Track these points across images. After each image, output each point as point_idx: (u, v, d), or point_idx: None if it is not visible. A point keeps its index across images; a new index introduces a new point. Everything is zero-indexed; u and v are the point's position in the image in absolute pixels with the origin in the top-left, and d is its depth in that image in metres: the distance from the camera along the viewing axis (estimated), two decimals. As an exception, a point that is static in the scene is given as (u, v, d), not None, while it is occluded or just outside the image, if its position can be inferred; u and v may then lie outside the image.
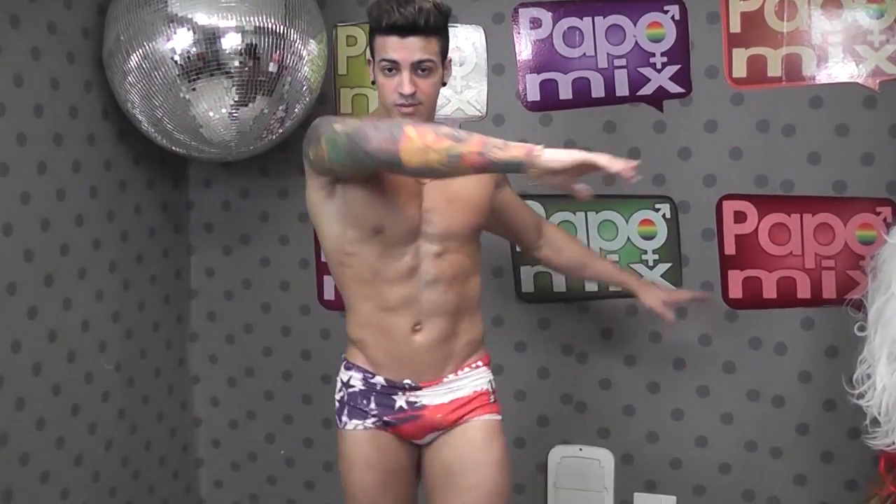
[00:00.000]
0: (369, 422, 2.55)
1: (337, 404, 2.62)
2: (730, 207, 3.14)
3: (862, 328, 2.64)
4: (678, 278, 3.19)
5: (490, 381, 2.64)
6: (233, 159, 3.16)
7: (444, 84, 2.47)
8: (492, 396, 2.62)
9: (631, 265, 3.21)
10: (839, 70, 3.03)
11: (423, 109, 2.41)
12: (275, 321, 3.57)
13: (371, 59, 2.45)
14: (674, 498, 3.29)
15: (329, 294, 3.49)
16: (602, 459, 3.32)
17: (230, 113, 2.93)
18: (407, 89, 2.35)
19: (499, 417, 2.62)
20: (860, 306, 2.71)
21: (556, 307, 3.31)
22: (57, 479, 2.95)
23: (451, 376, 2.56)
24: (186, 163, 3.56)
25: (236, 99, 2.92)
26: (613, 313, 3.27)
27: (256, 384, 3.64)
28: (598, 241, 3.21)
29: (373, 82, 2.46)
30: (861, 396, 2.60)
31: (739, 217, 3.13)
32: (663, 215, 3.18)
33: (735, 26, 3.08)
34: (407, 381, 2.53)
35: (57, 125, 2.93)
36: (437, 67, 2.40)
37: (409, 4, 2.33)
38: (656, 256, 3.20)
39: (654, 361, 3.26)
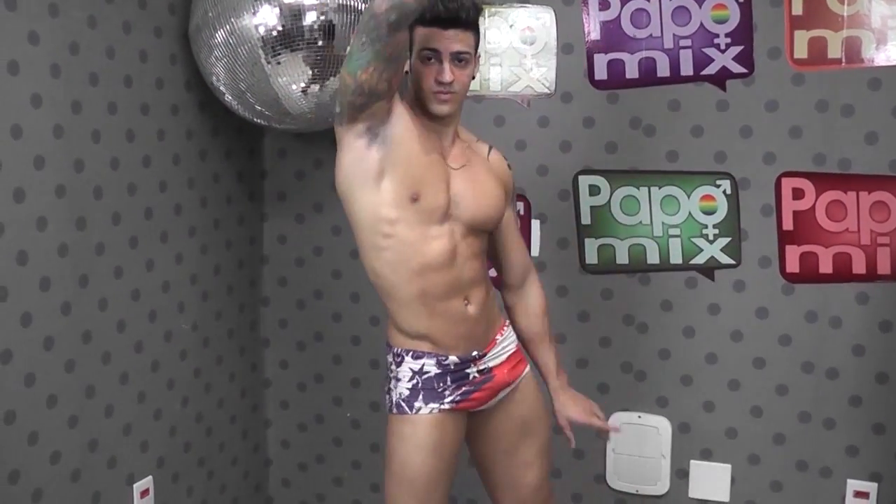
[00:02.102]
0: (446, 402, 2.59)
1: (407, 392, 2.60)
2: (788, 184, 3.21)
3: (916, 303, 2.72)
4: (737, 252, 3.27)
5: (514, 341, 2.79)
6: (310, 130, 3.28)
7: (472, 77, 2.53)
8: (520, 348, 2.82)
9: (692, 239, 3.30)
10: (898, 53, 3.09)
11: (457, 97, 2.49)
12: (344, 287, 3.68)
13: (409, 48, 2.48)
14: (729, 466, 3.37)
15: (399, 262, 3.57)
16: (660, 427, 3.41)
17: (310, 86, 3.04)
18: (447, 76, 2.43)
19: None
20: (914, 282, 2.79)
21: (619, 278, 3.39)
22: (138, 432, 3.08)
23: (499, 336, 2.70)
24: (262, 134, 3.69)
25: (317, 73, 3.02)
26: (673, 285, 3.35)
27: (325, 349, 3.75)
28: (660, 215, 3.29)
29: (407, 72, 2.48)
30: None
31: (797, 194, 3.20)
32: (724, 191, 3.25)
33: (797, 9, 3.14)
34: (475, 351, 2.63)
35: (144, 96, 3.05)
36: (471, 60, 2.49)
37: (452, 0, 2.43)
38: (716, 231, 3.28)
39: (712, 333, 3.34)
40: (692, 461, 3.41)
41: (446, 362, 2.60)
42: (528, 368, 2.76)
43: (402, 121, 2.45)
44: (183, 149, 3.26)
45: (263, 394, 3.84)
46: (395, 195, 2.45)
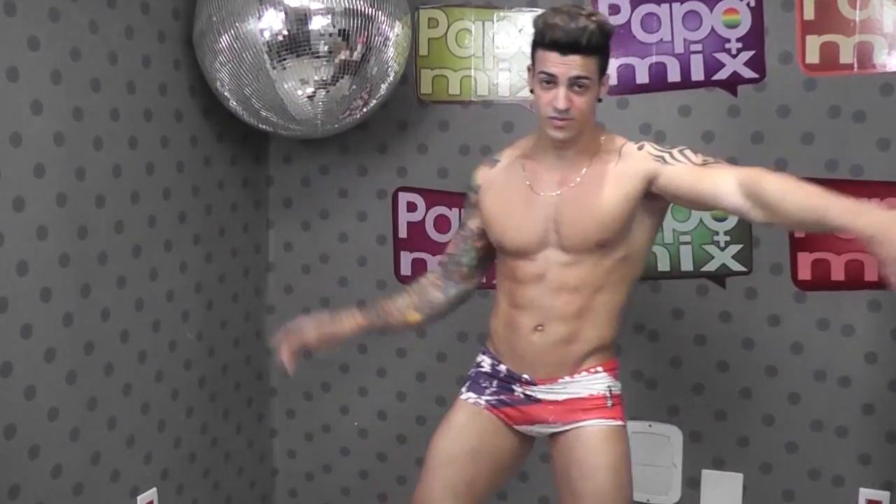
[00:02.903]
0: (483, 399, 2.68)
1: (467, 380, 2.76)
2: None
3: (931, 311, 2.69)
4: (749, 259, 3.23)
5: (609, 386, 2.59)
6: (316, 136, 3.24)
7: (599, 101, 2.49)
8: (609, 401, 2.58)
9: (703, 246, 3.26)
10: (910, 58, 3.06)
11: (574, 125, 2.44)
12: (351, 295, 3.62)
13: (531, 68, 2.49)
14: (741, 475, 3.34)
15: (406, 270, 3.57)
16: (671, 436, 3.37)
17: (317, 92, 3.01)
18: (562, 104, 2.38)
19: (618, 423, 2.58)
20: (929, 290, 2.75)
21: (628, 286, 3.35)
22: (141, 443, 3.05)
23: (567, 378, 2.58)
24: (268, 139, 3.65)
25: (324, 79, 2.99)
26: (684, 293, 3.31)
27: (332, 357, 3.64)
28: (671, 222, 3.25)
29: (531, 91, 2.50)
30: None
31: (810, 200, 3.17)
32: (735, 198, 3.22)
33: (809, 14, 3.11)
34: (525, 375, 2.61)
35: (147, 102, 3.02)
36: (593, 85, 2.42)
37: (574, 22, 2.36)
38: (728, 238, 3.24)
39: (724, 341, 3.30)
40: (704, 470, 3.38)
41: (498, 367, 2.67)
42: (592, 422, 2.54)
43: (484, 195, 2.64)
44: (187, 155, 3.23)
45: (269, 403, 3.81)
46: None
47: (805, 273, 3.20)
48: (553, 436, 2.63)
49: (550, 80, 2.40)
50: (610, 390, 2.59)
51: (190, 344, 3.29)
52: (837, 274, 3.17)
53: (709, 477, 3.37)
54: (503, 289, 2.66)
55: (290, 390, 3.79)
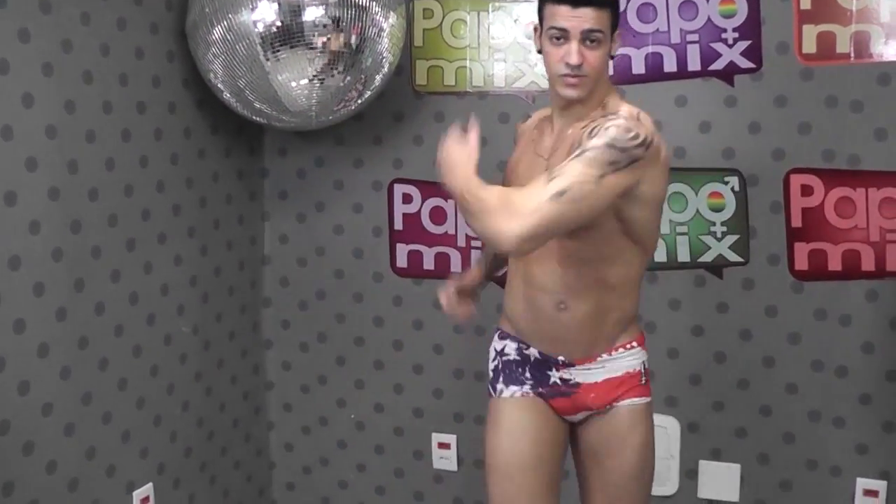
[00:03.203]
0: (527, 387, 2.54)
1: (491, 374, 2.61)
2: (797, 181, 3.16)
3: (927, 301, 2.69)
4: (745, 250, 3.22)
5: (643, 361, 2.56)
6: (311, 128, 3.22)
7: (612, 57, 2.39)
8: (643, 378, 2.55)
9: (700, 237, 3.25)
10: (907, 47, 3.04)
11: (588, 81, 2.32)
12: (347, 288, 3.64)
13: (538, 26, 2.39)
14: (738, 466, 3.33)
15: (402, 262, 3.55)
16: (669, 427, 3.36)
17: (311, 84, 2.99)
18: (574, 59, 2.27)
19: (647, 399, 2.56)
20: (925, 279, 2.75)
21: (625, 277, 3.33)
22: (137, 438, 3.03)
23: (605, 356, 2.49)
24: (262, 131, 3.64)
25: (318, 70, 2.97)
26: (681, 284, 3.30)
27: (328, 350, 3.71)
28: (668, 212, 3.21)
29: (539, 51, 2.40)
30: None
31: (806, 190, 3.15)
32: (732, 188, 3.21)
33: (805, 3, 3.09)
34: (561, 356, 2.50)
35: (140, 94, 3.00)
36: (605, 39, 2.30)
37: None
38: (724, 228, 3.23)
39: (721, 332, 3.29)
40: (701, 461, 3.37)
41: (527, 351, 2.54)
42: (629, 400, 2.51)
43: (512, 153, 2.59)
44: (181, 148, 3.21)
45: (266, 396, 3.80)
46: None
47: (802, 263, 3.19)
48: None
49: (561, 36, 2.29)
50: (643, 365, 2.57)
51: (185, 338, 3.27)
52: (834, 264, 3.16)
53: (706, 468, 3.37)
54: (515, 268, 2.55)
55: (287, 383, 3.78)
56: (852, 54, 3.07)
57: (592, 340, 2.48)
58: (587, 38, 2.28)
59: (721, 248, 3.24)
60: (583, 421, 2.55)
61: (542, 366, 2.52)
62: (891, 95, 3.06)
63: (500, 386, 2.58)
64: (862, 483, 3.22)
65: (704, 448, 3.36)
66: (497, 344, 2.63)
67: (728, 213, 3.22)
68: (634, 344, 2.54)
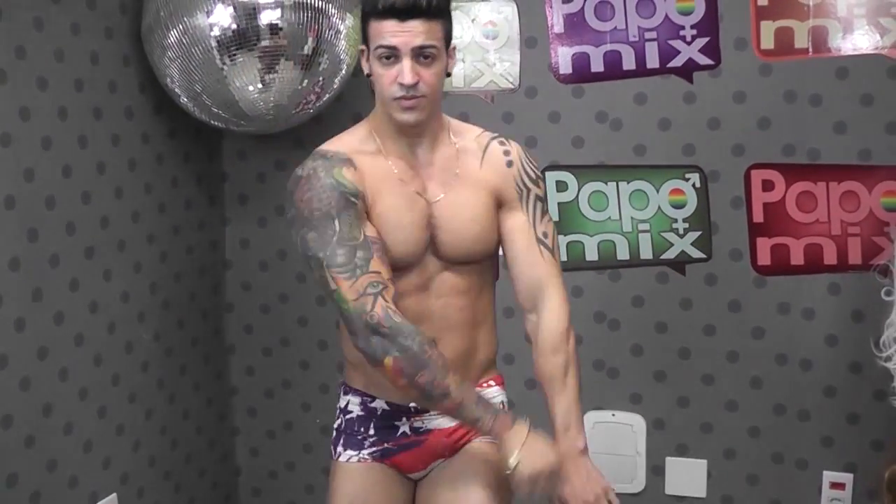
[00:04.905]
0: (365, 452, 2.33)
1: (333, 433, 2.40)
2: (758, 176, 3.17)
3: (889, 293, 2.69)
4: (708, 246, 3.24)
5: (503, 401, 2.38)
6: (269, 132, 3.20)
7: (448, 75, 2.18)
8: None
9: (662, 233, 3.25)
10: (864, 41, 3.06)
11: (425, 103, 2.11)
12: (310, 291, 3.60)
13: (364, 47, 2.15)
14: (705, 462, 3.35)
15: (364, 264, 3.52)
16: (634, 424, 3.37)
17: (267, 87, 2.97)
18: (408, 78, 2.05)
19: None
20: (886, 271, 2.76)
21: (589, 275, 3.33)
22: (99, 448, 2.99)
23: None
24: (221, 135, 3.60)
25: (274, 74, 2.95)
26: (644, 281, 3.31)
27: (292, 354, 3.69)
28: (629, 210, 3.25)
29: (368, 76, 2.17)
30: (888, 359, 2.65)
31: (767, 185, 3.17)
32: (693, 185, 3.22)
33: (763, -1, 3.12)
34: (413, 404, 2.26)
35: (96, 99, 2.96)
36: (440, 55, 2.10)
37: None
38: (686, 225, 3.24)
39: (685, 328, 3.30)
40: (667, 458, 3.38)
41: (372, 405, 2.31)
42: (480, 442, 2.29)
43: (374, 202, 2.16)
44: (139, 153, 3.17)
45: (230, 402, 3.76)
46: None
47: (764, 258, 3.20)
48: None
49: (391, 54, 2.06)
50: (503, 405, 2.37)
51: (147, 345, 3.23)
52: (797, 258, 3.18)
53: (673, 464, 3.38)
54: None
55: (251, 388, 3.75)
56: (810, 49, 3.09)
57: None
58: (420, 54, 2.07)
59: (683, 244, 3.25)
60: (429, 474, 2.36)
61: (390, 418, 2.31)
62: (849, 89, 3.09)
63: (339, 448, 2.37)
64: (828, 476, 3.25)
65: (670, 444, 3.37)
66: (341, 401, 2.39)
67: (689, 209, 3.23)
68: (493, 383, 2.39)
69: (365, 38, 2.15)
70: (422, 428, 2.31)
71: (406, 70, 2.06)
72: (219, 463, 3.69)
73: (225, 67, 2.91)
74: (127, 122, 3.11)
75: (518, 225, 2.27)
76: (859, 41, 3.06)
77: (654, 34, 3.18)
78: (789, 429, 3.27)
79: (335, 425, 2.40)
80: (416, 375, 2.02)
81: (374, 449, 2.32)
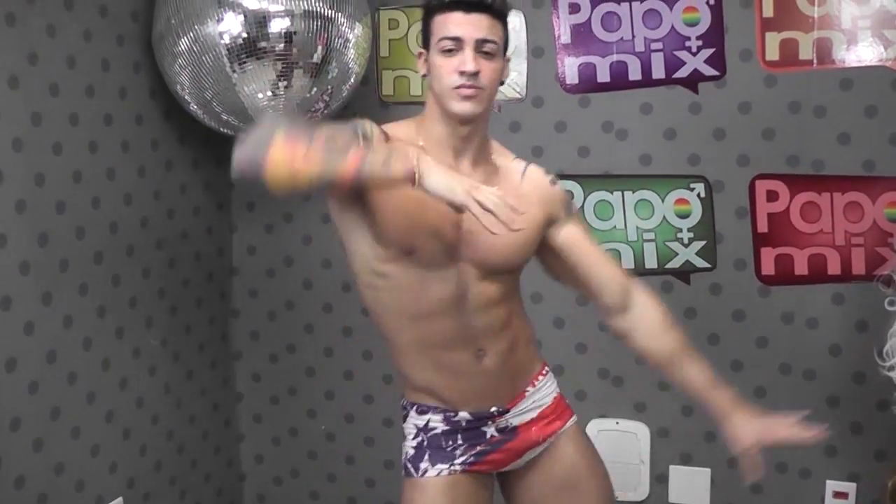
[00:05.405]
0: (458, 462, 2.32)
1: (412, 451, 2.35)
2: (762, 186, 3.19)
3: (892, 303, 2.71)
4: (712, 256, 3.25)
5: (556, 386, 2.46)
6: (278, 139, 3.22)
7: (501, 83, 2.18)
8: (565, 399, 2.46)
9: (667, 243, 3.27)
10: (868, 53, 3.09)
11: (484, 95, 2.11)
12: (316, 298, 3.63)
13: (423, 49, 2.18)
14: (708, 470, 3.36)
15: (370, 271, 3.53)
16: (638, 433, 3.38)
17: (277, 95, 2.99)
18: (470, 66, 2.05)
19: (575, 417, 2.45)
20: (890, 282, 2.79)
21: (593, 284, 3.34)
22: (106, 452, 3.01)
23: (531, 389, 2.36)
24: (229, 142, 3.56)
25: (284, 81, 2.97)
26: (650, 290, 3.30)
27: (298, 360, 3.70)
28: (634, 219, 3.27)
29: (423, 76, 2.20)
30: (891, 369, 2.67)
31: (772, 196, 3.19)
32: (698, 194, 3.24)
33: (768, 11, 3.13)
34: (493, 408, 2.32)
35: (107, 106, 2.99)
36: (499, 54, 2.13)
37: None
38: (691, 234, 3.26)
39: (689, 336, 3.25)
40: (671, 466, 3.40)
41: (455, 418, 2.31)
42: (568, 424, 2.41)
43: None
44: (148, 160, 3.19)
45: (236, 408, 3.78)
46: (387, 253, 2.16)
47: (769, 268, 3.22)
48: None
49: (454, 46, 2.08)
50: (558, 389, 2.47)
51: (154, 350, 3.25)
52: (801, 268, 3.19)
53: (677, 473, 3.39)
54: (407, 332, 2.25)
55: (257, 395, 3.77)
56: (815, 60, 3.11)
57: (515, 377, 2.34)
58: (481, 47, 2.09)
59: (688, 253, 3.27)
60: (532, 463, 2.40)
61: (476, 425, 2.33)
62: (853, 100, 3.11)
63: (423, 465, 2.32)
64: (832, 485, 3.27)
65: (674, 453, 3.38)
66: (417, 420, 2.35)
67: (694, 219, 3.25)
68: (546, 369, 2.45)
69: (426, 38, 2.16)
70: (507, 427, 2.34)
71: (468, 58, 2.07)
72: (224, 469, 3.71)
73: (235, 75, 2.94)
74: (137, 128, 3.13)
75: (575, 234, 2.31)
76: (863, 53, 3.09)
77: (660, 45, 3.21)
78: (793, 438, 3.27)
79: (413, 444, 2.36)
80: (313, 137, 1.91)
81: (466, 456, 2.33)
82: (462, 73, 2.08)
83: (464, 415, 2.31)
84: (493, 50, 2.11)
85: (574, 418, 2.44)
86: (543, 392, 2.40)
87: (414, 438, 2.35)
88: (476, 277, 2.21)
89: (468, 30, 2.08)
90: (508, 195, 1.96)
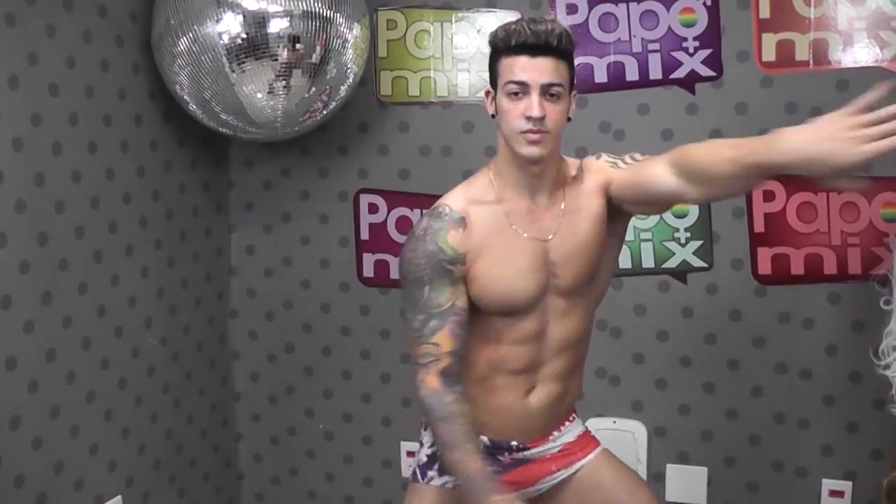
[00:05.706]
0: None
1: (425, 458, 2.43)
2: (759, 186, 3.20)
3: (888, 302, 2.72)
4: (709, 255, 3.26)
5: (584, 424, 2.55)
6: (277, 140, 3.23)
7: (568, 119, 2.21)
8: (591, 432, 2.54)
9: (664, 243, 3.28)
10: (864, 54, 3.09)
11: (549, 139, 2.14)
12: (314, 298, 3.64)
13: (491, 89, 2.22)
14: (705, 469, 3.36)
15: (368, 271, 3.56)
16: (635, 432, 3.39)
17: (276, 95, 3.00)
18: (536, 112, 2.08)
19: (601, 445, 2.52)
20: (886, 281, 2.80)
21: (591, 284, 3.36)
22: (105, 451, 3.02)
23: (556, 433, 2.43)
24: (228, 143, 3.64)
25: (282, 81, 2.98)
26: (646, 289, 3.34)
27: (296, 360, 3.71)
28: (632, 219, 3.24)
29: (492, 116, 2.23)
30: (887, 367, 2.68)
31: (768, 196, 3.19)
32: (695, 194, 3.24)
33: (764, 12, 3.14)
34: (514, 442, 2.38)
35: (106, 106, 2.99)
36: (565, 95, 2.15)
37: (541, 24, 2.11)
38: (688, 234, 3.26)
39: (686, 336, 3.32)
40: (668, 465, 3.40)
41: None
42: (592, 455, 2.46)
43: (474, 262, 2.22)
44: (147, 160, 3.20)
45: (234, 407, 3.79)
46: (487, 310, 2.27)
47: (765, 267, 3.23)
48: (554, 487, 2.46)
49: (520, 90, 2.11)
50: (585, 426, 2.55)
51: (153, 350, 3.26)
52: (797, 268, 3.20)
53: (674, 472, 3.40)
54: (483, 351, 2.30)
55: (255, 394, 3.78)
56: (811, 61, 3.12)
57: (551, 422, 2.41)
58: (547, 91, 2.11)
59: (685, 253, 3.28)
60: (560, 489, 2.46)
61: (492, 451, 2.37)
62: (849, 101, 3.07)
63: (431, 473, 2.40)
64: (828, 484, 3.27)
65: (671, 452, 3.39)
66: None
67: (691, 218, 3.26)
68: (574, 415, 2.51)
69: (493, 78, 2.20)
70: (522, 459, 2.40)
71: (534, 103, 2.10)
72: (223, 468, 3.72)
73: (234, 75, 2.95)
74: (136, 128, 3.14)
75: (622, 175, 2.30)
76: (859, 54, 3.09)
77: (657, 46, 3.22)
78: (789, 437, 3.28)
79: (428, 453, 2.44)
80: (445, 449, 2.20)
81: None
82: (528, 119, 2.11)
83: (483, 439, 2.35)
84: (559, 92, 2.13)
85: (600, 448, 2.49)
86: (567, 434, 2.47)
87: (430, 448, 2.43)
88: (558, 311, 2.28)
89: (534, 75, 2.10)
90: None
